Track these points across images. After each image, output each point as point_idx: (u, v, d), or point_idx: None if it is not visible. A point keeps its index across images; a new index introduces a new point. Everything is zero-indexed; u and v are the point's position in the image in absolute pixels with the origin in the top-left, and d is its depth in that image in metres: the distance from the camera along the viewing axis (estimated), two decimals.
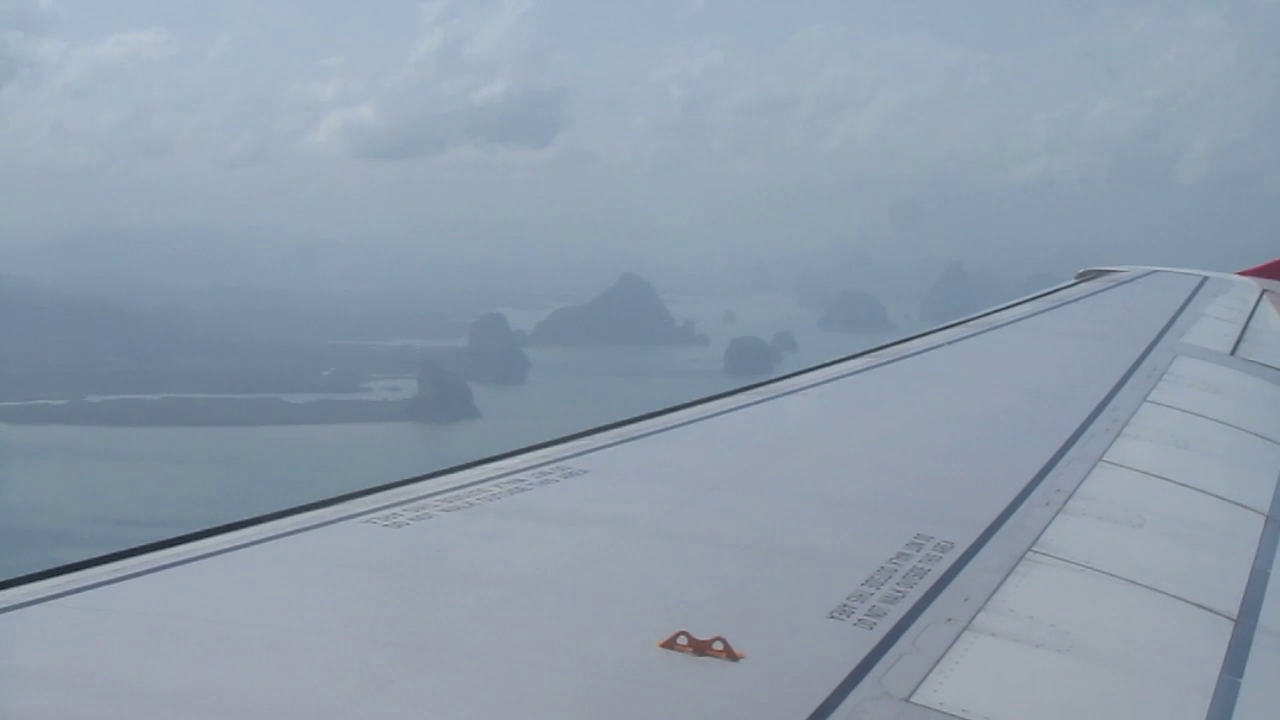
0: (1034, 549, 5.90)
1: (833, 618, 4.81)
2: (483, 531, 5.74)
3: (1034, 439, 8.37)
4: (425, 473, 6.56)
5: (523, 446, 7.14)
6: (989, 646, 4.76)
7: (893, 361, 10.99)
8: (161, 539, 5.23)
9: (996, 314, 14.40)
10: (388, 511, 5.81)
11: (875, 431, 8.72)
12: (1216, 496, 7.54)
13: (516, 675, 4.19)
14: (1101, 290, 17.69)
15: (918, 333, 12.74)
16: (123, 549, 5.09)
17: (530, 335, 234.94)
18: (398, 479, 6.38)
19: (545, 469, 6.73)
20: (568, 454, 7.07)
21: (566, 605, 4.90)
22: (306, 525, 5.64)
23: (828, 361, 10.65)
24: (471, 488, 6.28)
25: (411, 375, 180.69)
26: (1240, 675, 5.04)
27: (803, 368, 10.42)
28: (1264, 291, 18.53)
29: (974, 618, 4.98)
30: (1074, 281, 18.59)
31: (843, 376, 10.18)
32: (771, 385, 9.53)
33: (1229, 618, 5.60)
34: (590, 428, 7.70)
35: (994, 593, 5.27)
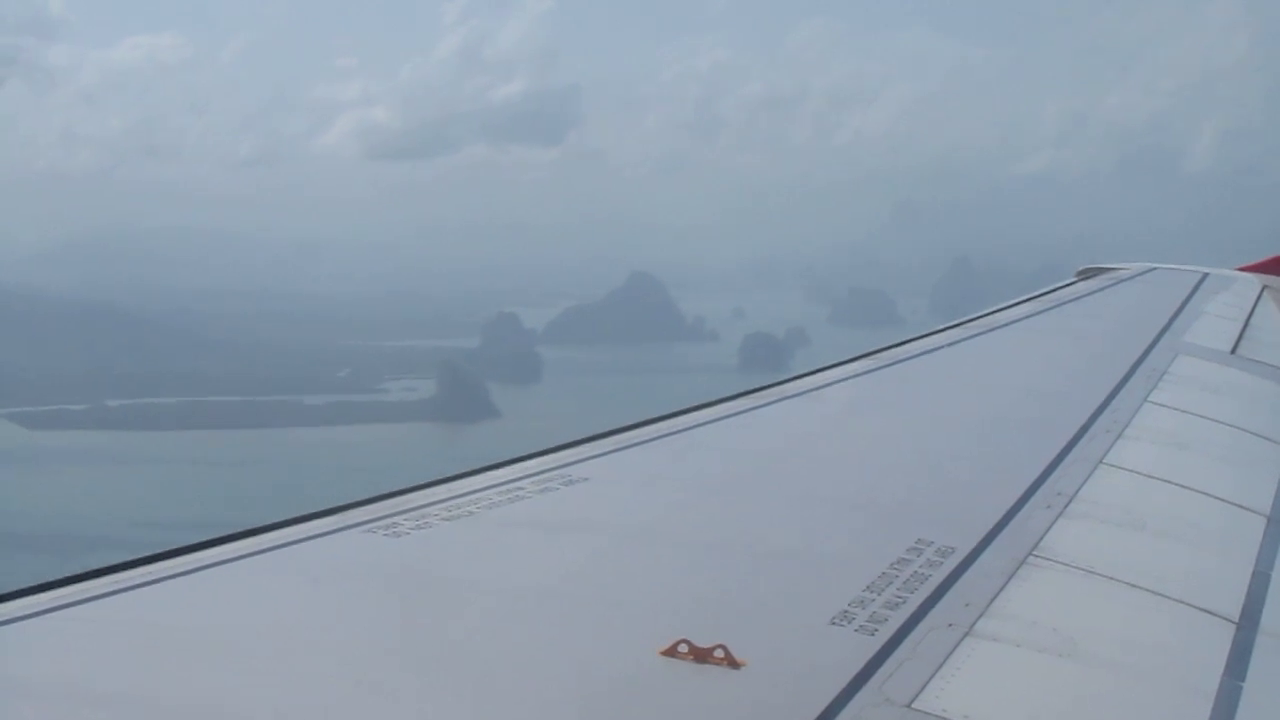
0: (1035, 553, 5.89)
1: (834, 624, 4.81)
2: (483, 540, 5.76)
3: (1034, 441, 8.33)
4: (431, 480, 6.58)
5: (522, 454, 7.15)
6: (991, 652, 4.76)
7: (890, 365, 10.97)
8: (162, 550, 5.25)
9: (995, 314, 14.37)
10: (388, 521, 5.83)
11: (873, 435, 8.70)
12: (1218, 498, 7.52)
13: (517, 684, 4.21)
14: (1101, 289, 17.66)
15: (913, 335, 12.69)
16: (120, 561, 5.10)
17: (542, 334, 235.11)
18: (403, 486, 6.39)
19: (545, 476, 6.73)
20: (567, 461, 7.08)
21: (567, 613, 4.91)
22: (306, 535, 5.65)
23: (823, 366, 10.62)
24: (471, 496, 6.29)
25: (425, 375, 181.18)
26: (1242, 679, 5.02)
27: (806, 369, 10.41)
28: (1264, 288, 18.50)
29: (975, 623, 4.97)
30: (1073, 280, 18.55)
31: (840, 381, 10.15)
32: (768, 391, 9.50)
33: (1231, 621, 5.59)
34: (590, 434, 7.71)
35: (995, 597, 5.27)
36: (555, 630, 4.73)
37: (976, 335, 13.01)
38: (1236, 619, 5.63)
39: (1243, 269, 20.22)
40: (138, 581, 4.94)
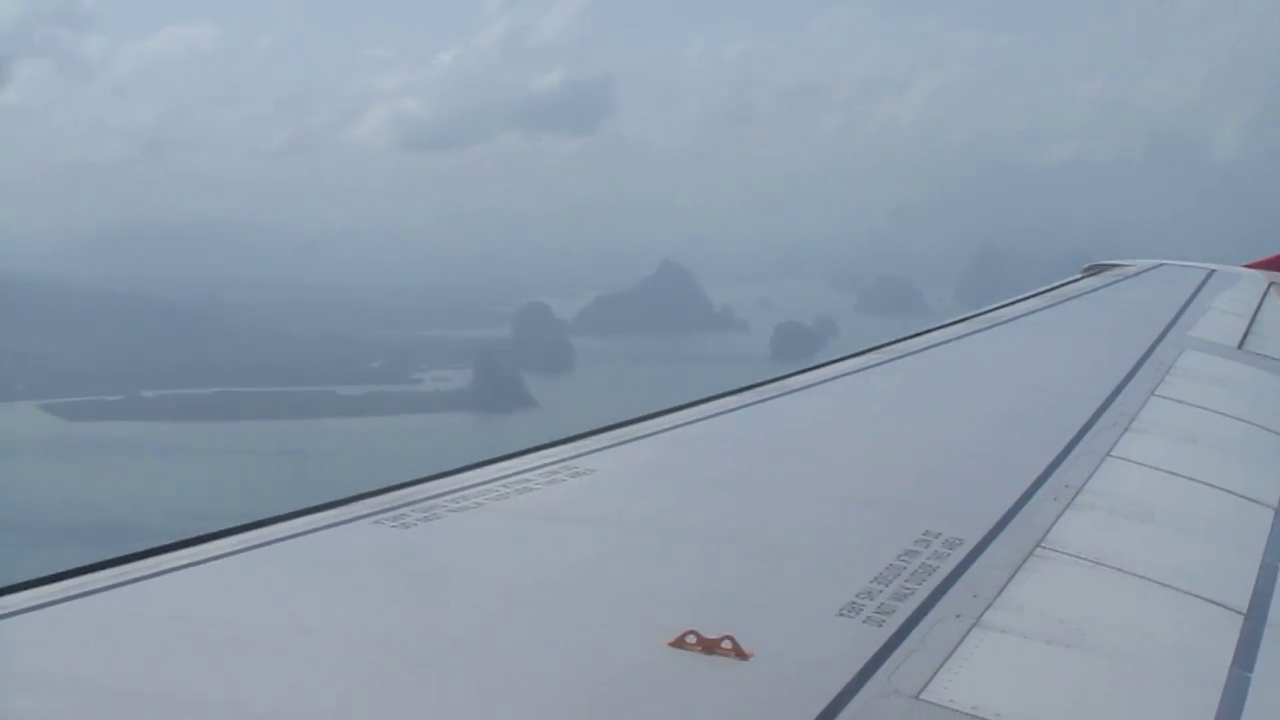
0: (1043, 545, 5.94)
1: (842, 615, 4.86)
2: (490, 532, 5.80)
3: (1041, 434, 8.36)
4: (434, 473, 6.57)
5: (529, 446, 7.16)
6: (998, 643, 4.80)
7: (898, 358, 10.99)
8: (169, 542, 5.25)
9: (1002, 309, 14.42)
10: (396, 512, 5.86)
11: (882, 428, 8.74)
12: (1225, 490, 7.54)
13: (525, 675, 4.26)
14: (1108, 284, 17.71)
15: (925, 329, 12.74)
16: (130, 552, 5.09)
17: (572, 323, 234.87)
18: (411, 478, 6.39)
19: (552, 469, 6.77)
20: (575, 454, 7.11)
21: (574, 605, 4.97)
22: (314, 527, 5.67)
23: (830, 360, 10.65)
24: (479, 488, 6.32)
25: (458, 365, 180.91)
26: (1251, 670, 5.05)
27: (806, 366, 10.40)
28: (1270, 285, 18.58)
29: (983, 614, 5.02)
30: (1080, 276, 18.58)
31: (849, 374, 10.19)
32: (776, 383, 9.53)
33: (1239, 612, 5.62)
34: (596, 427, 7.73)
35: (1003, 589, 5.31)
36: (563, 621, 4.79)
37: (983, 330, 13.03)
38: (1244, 610, 5.66)
39: (1249, 265, 20.26)
40: (146, 573, 4.95)
